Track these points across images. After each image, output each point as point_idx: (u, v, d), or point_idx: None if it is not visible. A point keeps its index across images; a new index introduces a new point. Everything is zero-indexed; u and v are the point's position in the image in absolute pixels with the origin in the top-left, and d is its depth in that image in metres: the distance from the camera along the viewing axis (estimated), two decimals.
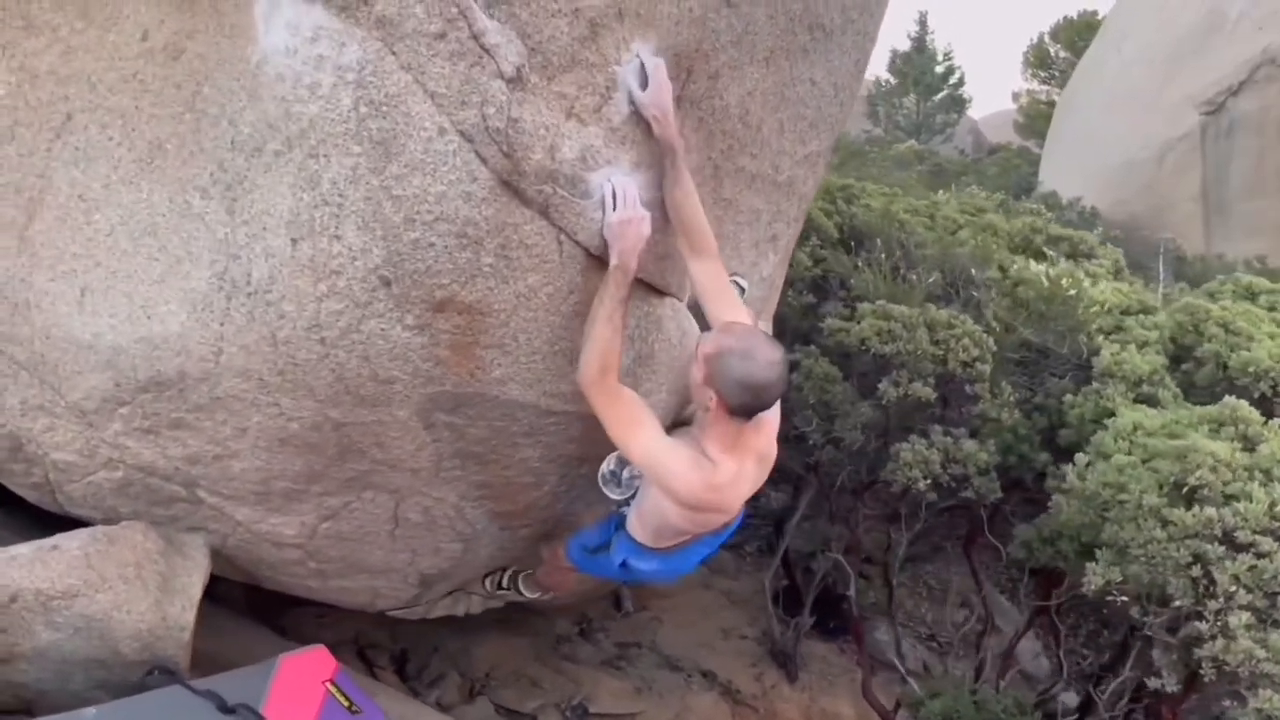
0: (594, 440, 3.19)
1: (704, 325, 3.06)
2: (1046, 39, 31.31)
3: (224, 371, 2.87)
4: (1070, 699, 5.72)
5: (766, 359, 2.75)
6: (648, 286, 3.07)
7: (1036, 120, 29.75)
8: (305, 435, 3.00)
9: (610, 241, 2.79)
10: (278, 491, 3.28)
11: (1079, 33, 29.68)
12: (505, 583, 4.44)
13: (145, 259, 2.87)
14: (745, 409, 2.79)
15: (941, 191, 10.20)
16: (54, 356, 3.09)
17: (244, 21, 2.58)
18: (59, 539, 3.18)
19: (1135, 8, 22.44)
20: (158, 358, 2.91)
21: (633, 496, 3.28)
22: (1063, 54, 30.53)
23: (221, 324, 2.78)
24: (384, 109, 2.45)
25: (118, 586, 3.11)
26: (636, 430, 2.85)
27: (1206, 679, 3.35)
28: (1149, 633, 3.99)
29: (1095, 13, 29.85)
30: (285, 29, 2.48)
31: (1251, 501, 3.44)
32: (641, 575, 3.45)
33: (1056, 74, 30.45)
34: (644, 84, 2.78)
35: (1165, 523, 3.53)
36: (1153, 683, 3.53)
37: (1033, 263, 5.67)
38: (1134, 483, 3.69)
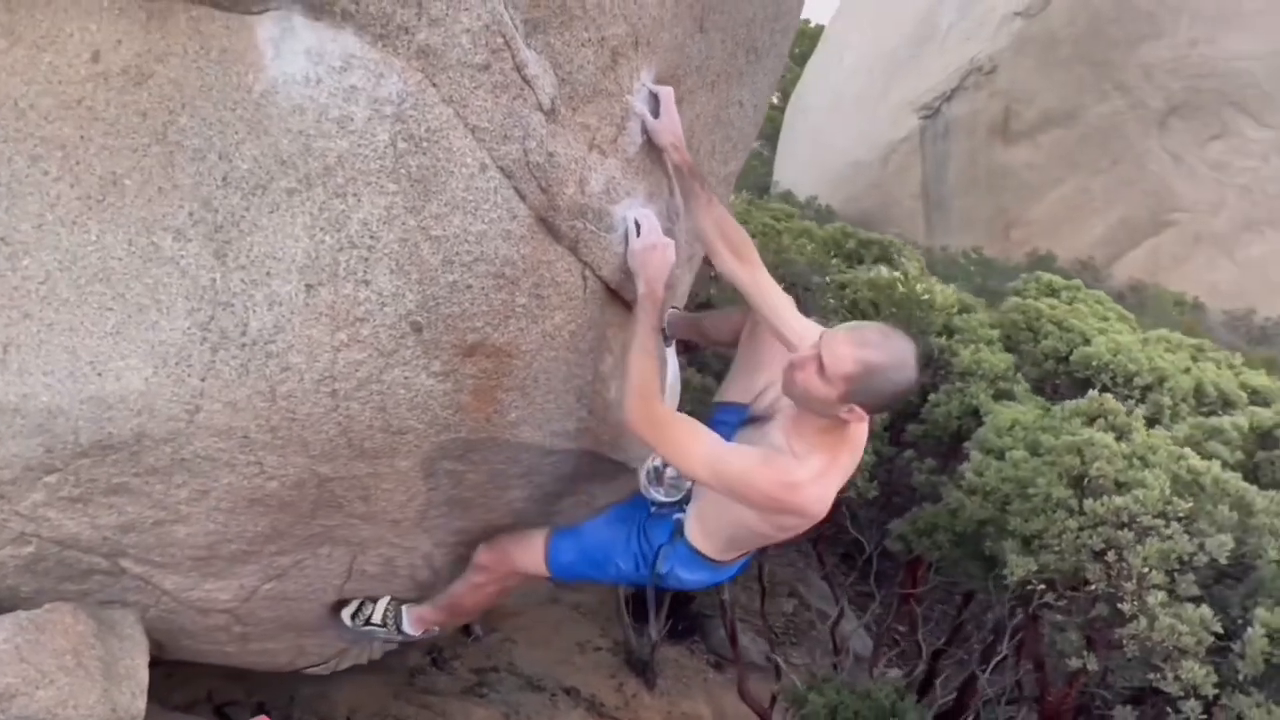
0: (578, 475, 3.11)
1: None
2: None
3: (198, 431, 2.57)
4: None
5: (916, 361, 2.52)
6: None
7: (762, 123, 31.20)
8: (283, 493, 2.74)
9: (636, 270, 2.73)
10: (224, 555, 2.98)
11: (796, 41, 31.36)
12: (381, 618, 3.72)
13: (94, 309, 2.52)
14: (885, 409, 2.56)
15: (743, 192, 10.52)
16: None
17: (239, 45, 2.31)
18: None
19: (854, 17, 24.04)
20: (109, 419, 2.57)
21: (684, 500, 2.98)
22: None
23: (203, 379, 2.49)
24: (424, 144, 2.26)
25: (60, 680, 2.72)
26: (693, 444, 2.61)
27: (1129, 656, 3.67)
28: (1036, 612, 4.33)
29: (809, 21, 31.65)
30: (304, 57, 2.24)
31: (1146, 488, 3.79)
32: (676, 585, 3.09)
33: (778, 79, 32.03)
34: (654, 113, 2.74)
35: (1073, 513, 3.84)
36: (1074, 663, 3.82)
37: (883, 269, 5.99)
38: (1039, 477, 3.98)
